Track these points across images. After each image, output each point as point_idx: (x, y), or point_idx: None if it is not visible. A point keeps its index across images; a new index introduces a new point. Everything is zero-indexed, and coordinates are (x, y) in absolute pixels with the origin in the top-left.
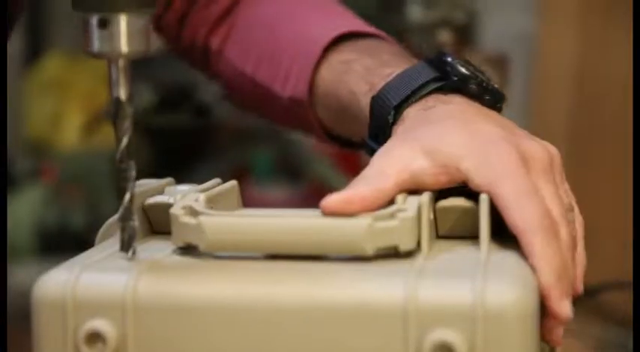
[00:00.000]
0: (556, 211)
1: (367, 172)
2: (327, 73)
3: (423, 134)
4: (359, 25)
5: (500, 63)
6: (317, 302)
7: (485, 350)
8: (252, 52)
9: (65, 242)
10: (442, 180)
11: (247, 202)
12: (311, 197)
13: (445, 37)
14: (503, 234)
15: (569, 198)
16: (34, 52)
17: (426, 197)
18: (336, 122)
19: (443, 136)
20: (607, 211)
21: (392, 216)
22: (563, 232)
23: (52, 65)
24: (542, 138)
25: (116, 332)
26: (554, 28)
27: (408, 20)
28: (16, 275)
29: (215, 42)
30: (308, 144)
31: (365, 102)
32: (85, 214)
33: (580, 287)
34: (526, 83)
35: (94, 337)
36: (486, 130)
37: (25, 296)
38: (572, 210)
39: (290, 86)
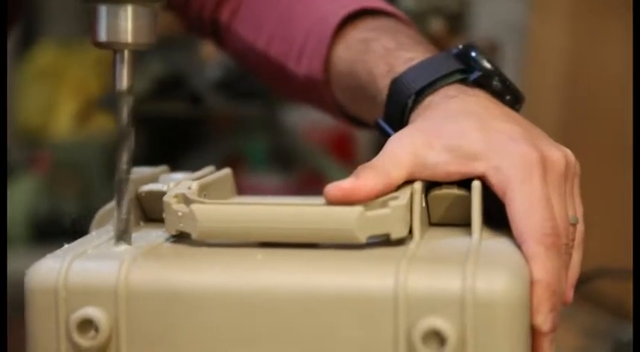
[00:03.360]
0: (561, 225)
1: (379, 160)
2: (345, 52)
3: (443, 127)
4: (372, 0)
5: (492, 51)
6: (308, 289)
7: (476, 337)
8: (264, 27)
9: (58, 231)
10: (456, 176)
11: (241, 190)
12: (305, 185)
13: (437, 25)
14: (497, 222)
15: (578, 210)
16: (27, 42)
17: (418, 185)
18: (351, 101)
19: (463, 131)
20: (598, 200)
21: (384, 204)
22: (563, 248)
23: (45, 54)
24: None
25: (108, 320)
26: (546, 16)
27: (400, 8)
28: (9, 264)
29: (224, 15)
30: (302, 132)
31: (383, 83)
32: (78, 203)
33: (570, 295)
34: (517, 72)
35: (86, 324)
36: (508, 129)
37: (19, 286)
38: (576, 223)
39: (304, 63)
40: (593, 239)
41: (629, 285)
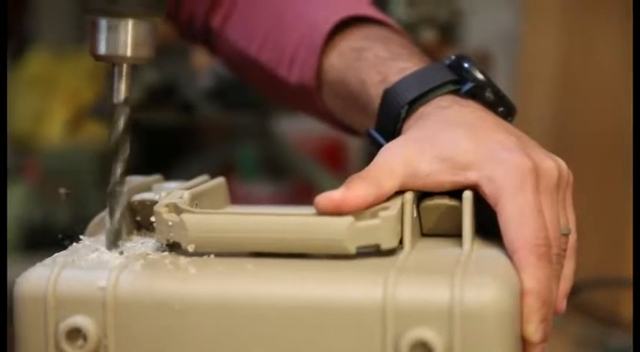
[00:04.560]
0: (553, 235)
1: (370, 170)
2: (337, 60)
3: (436, 136)
4: (364, 8)
5: (484, 61)
6: (297, 299)
7: (464, 348)
8: (255, 33)
9: (50, 238)
10: (448, 186)
11: (233, 200)
12: (297, 194)
13: (428, 35)
14: (489, 232)
15: (571, 220)
16: (19, 48)
17: (409, 195)
18: (343, 109)
19: (455, 141)
20: (590, 209)
21: (374, 214)
22: (554, 258)
23: (37, 61)
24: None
25: (97, 329)
26: (538, 25)
27: (392, 18)
28: None
29: (216, 21)
30: (294, 141)
31: (375, 92)
32: (70, 211)
33: (562, 306)
34: (510, 81)
35: (75, 333)
36: (501, 138)
37: (11, 294)
38: (569, 233)
39: (296, 71)
40: (584, 248)
41: (620, 295)
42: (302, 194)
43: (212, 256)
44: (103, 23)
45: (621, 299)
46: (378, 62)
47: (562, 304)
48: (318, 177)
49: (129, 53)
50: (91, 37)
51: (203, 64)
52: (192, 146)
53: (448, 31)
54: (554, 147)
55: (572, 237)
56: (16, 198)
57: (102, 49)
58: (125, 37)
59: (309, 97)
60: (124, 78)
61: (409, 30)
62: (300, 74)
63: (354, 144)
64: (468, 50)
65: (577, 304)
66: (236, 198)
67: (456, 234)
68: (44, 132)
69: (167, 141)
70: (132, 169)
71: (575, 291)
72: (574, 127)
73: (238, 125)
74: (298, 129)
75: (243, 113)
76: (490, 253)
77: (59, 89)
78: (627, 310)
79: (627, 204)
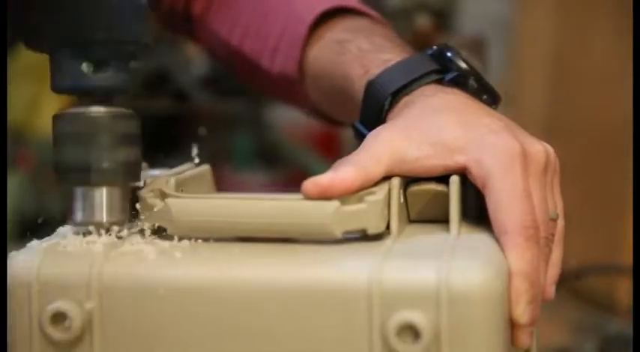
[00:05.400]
0: (541, 218)
1: (358, 155)
2: (319, 53)
3: (423, 122)
4: (347, 0)
5: (478, 47)
6: (283, 284)
7: (451, 331)
8: (237, 22)
9: (44, 229)
10: (436, 170)
11: (227, 188)
12: (290, 182)
13: (423, 21)
14: (476, 216)
15: (559, 205)
16: (12, 39)
17: (396, 181)
18: (327, 102)
19: (443, 126)
20: (586, 195)
21: (360, 199)
22: (542, 241)
23: (30, 52)
24: (519, 123)
25: (81, 313)
26: (532, 12)
27: (386, 5)
28: None
29: (197, 8)
30: (288, 129)
31: (359, 85)
32: (64, 200)
33: (551, 291)
34: (504, 67)
35: (60, 317)
36: (488, 122)
37: None
38: (556, 217)
39: (278, 62)
40: (580, 234)
41: (617, 281)
42: (296, 182)
43: (198, 241)
44: (79, 191)
45: (618, 286)
46: (360, 55)
47: (551, 290)
48: (312, 165)
49: (104, 219)
50: (69, 205)
51: (196, 53)
52: (186, 134)
53: (442, 18)
54: (549, 133)
55: (560, 224)
56: (11, 188)
57: (78, 218)
58: (100, 204)
59: (291, 88)
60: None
61: (403, 16)
62: (282, 65)
63: (349, 133)
64: (461, 37)
65: (574, 290)
66: (230, 186)
67: (443, 220)
68: (38, 122)
69: (161, 129)
70: None
71: (572, 277)
72: (568, 114)
73: (232, 113)
74: (293, 118)
75: (237, 101)
76: (477, 237)
77: None
78: (624, 296)
79: (623, 189)
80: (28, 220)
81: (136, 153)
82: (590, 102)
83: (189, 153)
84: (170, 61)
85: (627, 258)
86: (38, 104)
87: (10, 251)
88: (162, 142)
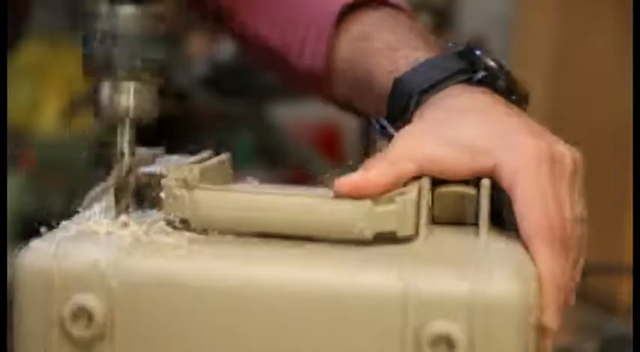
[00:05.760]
0: (569, 220)
1: (391, 151)
2: (346, 47)
3: (450, 122)
4: None
5: (478, 45)
6: (313, 287)
7: (486, 341)
8: (266, 14)
9: (44, 229)
10: (464, 172)
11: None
12: (291, 182)
13: (424, 20)
14: (504, 220)
15: (583, 210)
16: (12, 37)
17: (425, 181)
18: (353, 95)
19: (471, 127)
20: (587, 195)
21: (391, 200)
22: (570, 243)
23: (31, 50)
24: None
25: (103, 308)
26: (533, 10)
27: None
28: None
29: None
30: (288, 129)
31: (386, 82)
32: (65, 200)
33: (572, 299)
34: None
35: (80, 313)
36: (515, 123)
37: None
38: (583, 222)
39: (306, 55)
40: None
41: (618, 281)
42: (297, 181)
43: (225, 235)
44: (105, 85)
45: (619, 286)
46: (387, 51)
47: (572, 297)
48: (313, 164)
49: (130, 114)
50: (95, 100)
51: (197, 52)
52: (188, 133)
53: (443, 16)
54: (550, 131)
55: (584, 229)
56: (11, 188)
57: (106, 111)
58: (127, 98)
59: (318, 81)
60: (126, 133)
61: None
62: (310, 59)
63: (350, 131)
64: (462, 35)
65: (577, 290)
66: None
67: (466, 222)
68: (38, 122)
69: (162, 128)
70: None
71: None
72: (569, 112)
73: (233, 112)
74: (294, 117)
75: (237, 100)
76: (507, 243)
77: (53, 78)
78: (625, 296)
79: (624, 189)
80: (28, 220)
81: (163, 50)
82: (591, 101)
83: (190, 153)
84: (171, 60)
85: (628, 257)
86: (38, 104)
87: (10, 251)
88: (162, 142)
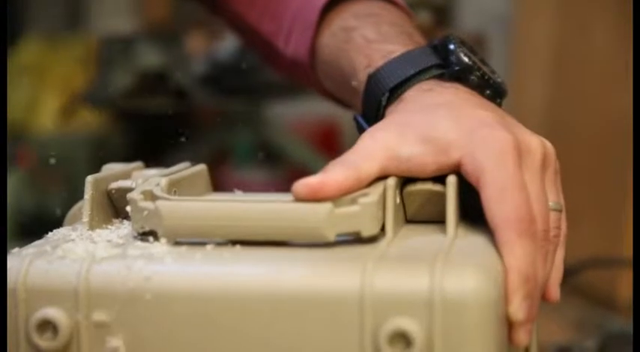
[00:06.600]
0: (537, 211)
1: (350, 154)
2: (328, 40)
3: (416, 119)
4: None
5: (479, 43)
6: (273, 289)
7: (444, 339)
8: (256, 1)
9: (43, 227)
10: (432, 167)
11: (227, 186)
12: (291, 181)
13: (423, 17)
14: (475, 216)
15: (559, 199)
16: (11, 36)
17: (391, 181)
18: (337, 89)
19: (436, 122)
20: (585, 190)
21: (353, 201)
22: (541, 234)
23: (29, 49)
24: (520, 119)
25: (69, 321)
26: (533, 8)
27: None
28: None
29: None
30: (288, 127)
31: (362, 76)
32: (63, 199)
33: (554, 293)
34: (504, 63)
35: (46, 325)
36: (481, 115)
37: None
38: (560, 210)
39: (292, 46)
40: (581, 229)
41: (617, 276)
42: (297, 180)
43: (188, 245)
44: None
45: (619, 281)
46: (365, 45)
47: (555, 292)
48: (313, 162)
49: None
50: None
51: (196, 50)
52: (187, 133)
53: (443, 14)
54: (549, 129)
55: (563, 224)
56: (10, 186)
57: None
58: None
59: (304, 73)
60: None
61: None
62: (295, 50)
63: (349, 130)
64: (462, 33)
65: (574, 286)
66: (231, 185)
67: (440, 220)
68: (37, 120)
69: (161, 127)
70: (124, 156)
71: (572, 273)
72: (568, 109)
73: (232, 111)
74: (293, 115)
75: (237, 99)
76: (474, 239)
77: (51, 77)
78: (625, 292)
79: (624, 184)
80: (28, 217)
81: None
82: (591, 99)
83: (189, 151)
84: (170, 58)
85: (627, 251)
86: (38, 103)
87: (9, 247)
88: (161, 141)
